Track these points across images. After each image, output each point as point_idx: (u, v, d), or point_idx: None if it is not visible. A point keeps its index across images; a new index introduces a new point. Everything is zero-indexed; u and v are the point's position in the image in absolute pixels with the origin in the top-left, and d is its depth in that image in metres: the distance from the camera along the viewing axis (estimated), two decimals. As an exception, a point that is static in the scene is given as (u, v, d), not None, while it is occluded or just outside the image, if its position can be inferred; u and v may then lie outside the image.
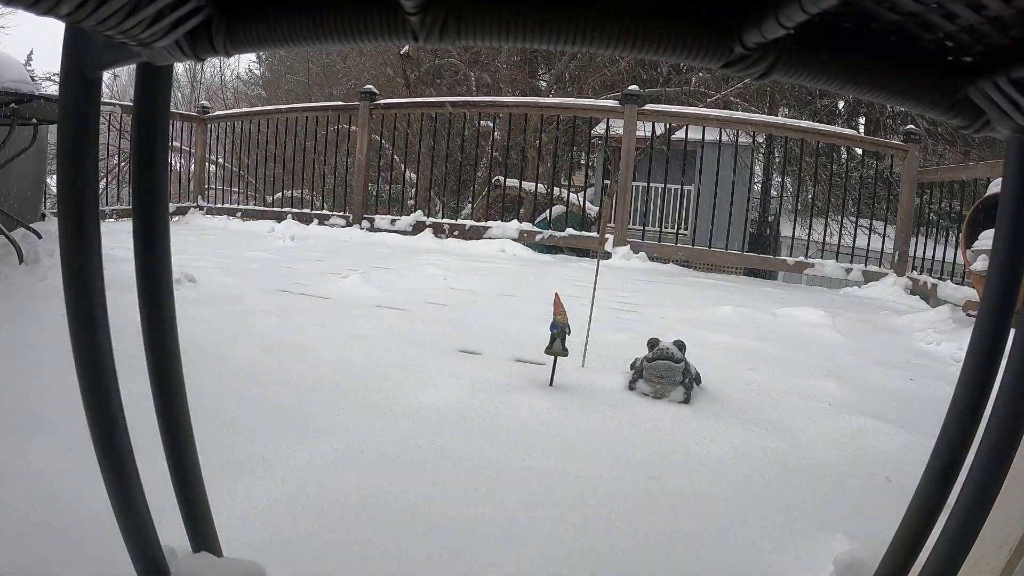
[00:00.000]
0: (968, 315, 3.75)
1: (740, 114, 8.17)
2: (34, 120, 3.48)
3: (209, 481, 0.91)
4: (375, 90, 6.78)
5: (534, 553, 1.10)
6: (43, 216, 4.86)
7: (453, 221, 6.24)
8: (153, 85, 0.82)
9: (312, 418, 1.59)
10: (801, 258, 5.55)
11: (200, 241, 4.70)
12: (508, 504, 1.25)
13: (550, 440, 1.56)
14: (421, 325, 2.57)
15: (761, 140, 7.35)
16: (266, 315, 2.55)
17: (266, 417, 1.57)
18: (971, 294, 4.04)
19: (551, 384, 1.95)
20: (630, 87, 5.97)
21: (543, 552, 1.10)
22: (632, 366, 2.06)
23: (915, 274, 5.24)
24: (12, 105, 3.14)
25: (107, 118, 6.75)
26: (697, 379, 2.03)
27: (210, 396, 1.65)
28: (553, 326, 2.04)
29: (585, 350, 2.18)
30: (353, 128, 7.00)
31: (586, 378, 2.04)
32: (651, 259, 5.52)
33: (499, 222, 6.06)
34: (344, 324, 2.50)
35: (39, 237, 3.39)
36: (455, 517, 1.18)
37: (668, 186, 7.45)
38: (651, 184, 6.42)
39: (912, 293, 4.95)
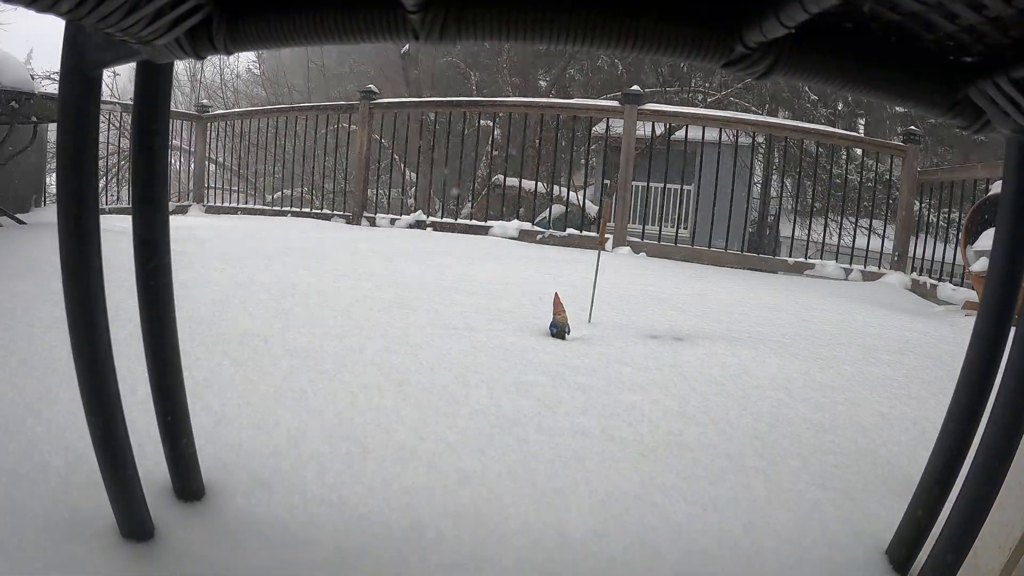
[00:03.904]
0: (967, 316, 3.75)
1: (740, 114, 8.17)
2: (34, 118, 3.48)
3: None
4: (375, 89, 6.78)
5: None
6: (43, 205, 4.91)
7: (453, 220, 6.24)
8: (153, 83, 0.82)
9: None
10: (801, 258, 5.55)
11: (216, 237, 4.66)
12: (517, 388, 1.65)
13: (550, 357, 1.88)
14: (458, 299, 2.60)
15: (761, 140, 7.33)
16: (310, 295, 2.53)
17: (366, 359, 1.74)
18: (970, 295, 4.04)
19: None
20: (631, 87, 5.97)
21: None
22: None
23: (915, 275, 5.24)
24: (12, 104, 3.14)
25: (107, 116, 6.74)
26: None
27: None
28: (552, 325, 2.05)
29: (591, 307, 2.37)
30: (353, 127, 6.99)
31: (589, 329, 2.22)
32: (651, 259, 5.52)
33: (500, 221, 6.05)
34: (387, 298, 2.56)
35: (22, 223, 3.43)
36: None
37: (668, 186, 7.45)
38: (651, 184, 6.41)
39: (912, 293, 4.96)
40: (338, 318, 2.04)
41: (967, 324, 2.72)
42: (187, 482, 0.98)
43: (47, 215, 4.57)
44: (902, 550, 0.94)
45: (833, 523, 1.13)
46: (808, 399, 1.71)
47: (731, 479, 1.25)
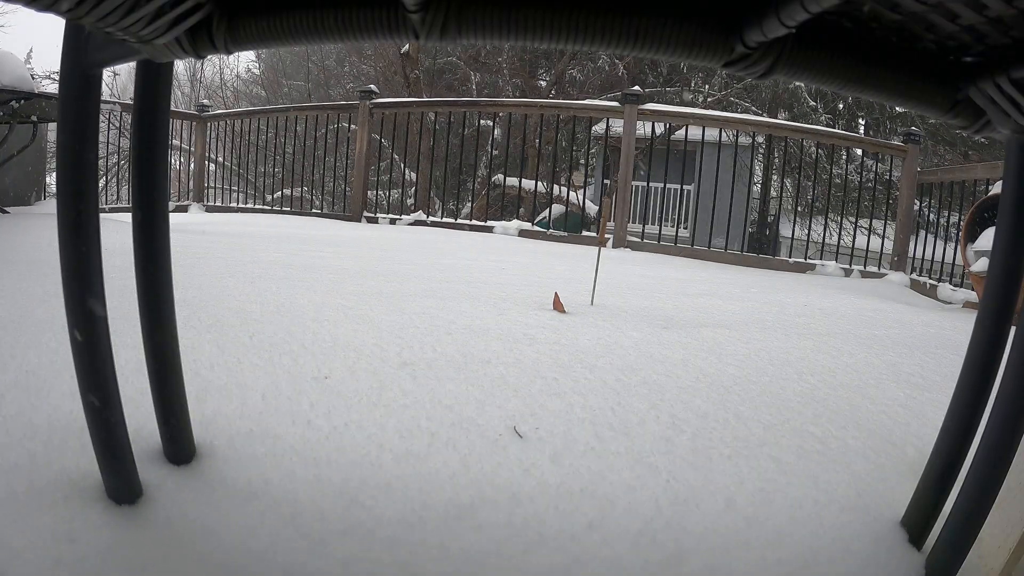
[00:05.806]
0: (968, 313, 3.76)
1: (740, 115, 8.16)
2: (34, 118, 3.49)
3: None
4: (375, 89, 6.78)
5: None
6: (43, 199, 4.93)
7: (454, 220, 6.24)
8: (153, 83, 0.82)
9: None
10: (801, 259, 5.56)
11: (228, 233, 4.65)
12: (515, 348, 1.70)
13: (546, 327, 1.91)
14: (483, 289, 2.66)
15: (761, 140, 7.33)
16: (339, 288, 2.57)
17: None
18: (970, 296, 4.04)
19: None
20: (631, 87, 5.98)
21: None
22: None
23: (915, 275, 5.24)
24: (12, 103, 3.15)
25: (107, 116, 6.74)
26: None
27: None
28: (553, 323, 2.05)
29: (594, 290, 2.42)
30: (353, 127, 7.00)
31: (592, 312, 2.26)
32: (651, 256, 5.53)
33: (502, 222, 6.06)
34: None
35: (5, 213, 3.46)
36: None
37: (668, 186, 7.45)
38: (651, 184, 6.41)
39: (913, 292, 4.96)
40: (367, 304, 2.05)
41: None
42: (178, 444, 0.96)
43: (38, 208, 4.59)
44: (918, 517, 0.94)
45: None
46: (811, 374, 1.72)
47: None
